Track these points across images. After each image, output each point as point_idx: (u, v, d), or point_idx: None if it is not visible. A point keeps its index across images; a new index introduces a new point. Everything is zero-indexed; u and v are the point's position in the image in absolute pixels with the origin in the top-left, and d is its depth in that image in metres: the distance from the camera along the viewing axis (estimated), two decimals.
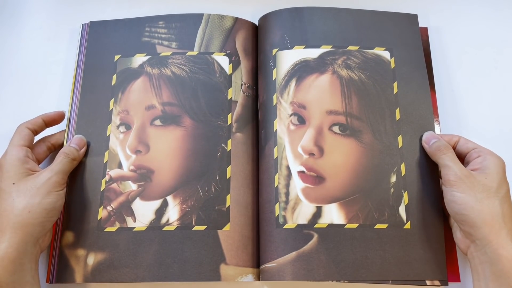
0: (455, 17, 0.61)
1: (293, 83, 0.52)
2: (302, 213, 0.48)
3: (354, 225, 0.47)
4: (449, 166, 0.46)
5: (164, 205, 0.48)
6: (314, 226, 0.47)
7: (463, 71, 0.58)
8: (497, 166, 0.45)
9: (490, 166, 0.45)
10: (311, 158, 0.49)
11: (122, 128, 0.51)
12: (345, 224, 0.47)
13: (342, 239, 0.47)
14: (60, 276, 0.47)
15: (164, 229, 0.48)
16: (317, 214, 0.48)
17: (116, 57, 0.54)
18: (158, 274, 0.46)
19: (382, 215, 0.48)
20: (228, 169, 0.49)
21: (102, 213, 0.49)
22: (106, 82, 0.53)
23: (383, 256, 0.47)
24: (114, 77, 0.53)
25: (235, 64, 0.53)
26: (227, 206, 0.48)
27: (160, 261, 0.46)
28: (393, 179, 0.49)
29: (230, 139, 0.50)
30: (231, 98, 0.52)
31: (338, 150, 0.50)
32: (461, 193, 0.44)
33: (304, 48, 0.54)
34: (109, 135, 0.51)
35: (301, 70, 0.53)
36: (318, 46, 0.54)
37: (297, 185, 0.49)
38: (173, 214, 0.48)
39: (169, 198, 0.49)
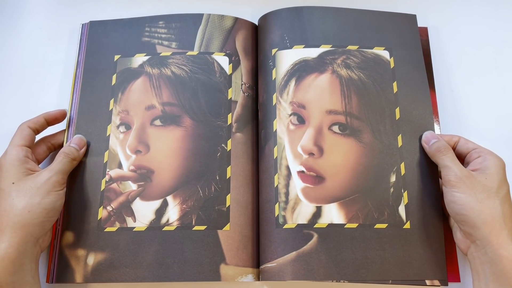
0: (455, 17, 0.61)
1: (292, 83, 0.52)
2: (302, 213, 0.48)
3: (354, 225, 0.47)
4: (449, 167, 0.46)
5: (164, 205, 0.48)
6: (314, 226, 0.47)
7: (463, 71, 0.58)
8: (497, 167, 0.45)
9: (490, 167, 0.45)
10: (310, 158, 0.49)
11: (122, 128, 0.51)
12: (345, 224, 0.47)
13: (342, 239, 0.47)
14: (60, 276, 0.47)
15: (164, 229, 0.47)
16: (317, 214, 0.48)
17: (116, 57, 0.54)
18: (158, 274, 0.46)
19: (382, 215, 0.48)
20: (228, 169, 0.49)
21: (102, 213, 0.48)
22: (106, 82, 0.53)
23: (383, 256, 0.47)
24: (114, 77, 0.53)
25: (235, 64, 0.53)
26: (227, 206, 0.48)
27: (160, 261, 0.46)
28: (393, 178, 0.49)
29: (230, 139, 0.50)
30: (231, 98, 0.52)
31: (338, 150, 0.50)
32: (462, 193, 0.44)
33: (304, 47, 0.54)
34: (109, 135, 0.51)
35: (301, 70, 0.53)
36: (318, 46, 0.54)
37: (297, 185, 0.49)
38: (173, 214, 0.48)
39: (169, 198, 0.49)
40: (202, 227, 0.47)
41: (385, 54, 0.54)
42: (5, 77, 0.59)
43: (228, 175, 0.49)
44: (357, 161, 0.49)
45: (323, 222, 0.47)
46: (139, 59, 0.54)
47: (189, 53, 0.54)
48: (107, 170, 0.50)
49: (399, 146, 0.50)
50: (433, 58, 0.57)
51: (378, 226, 0.48)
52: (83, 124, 0.52)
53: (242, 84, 0.53)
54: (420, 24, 0.57)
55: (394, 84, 0.53)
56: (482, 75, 0.58)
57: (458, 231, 0.46)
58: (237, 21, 0.55)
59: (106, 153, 0.50)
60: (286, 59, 0.53)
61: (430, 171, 0.50)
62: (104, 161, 0.50)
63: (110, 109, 0.52)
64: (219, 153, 0.50)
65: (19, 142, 0.47)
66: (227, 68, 0.53)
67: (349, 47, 0.54)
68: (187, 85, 0.52)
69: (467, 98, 0.57)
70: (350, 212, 0.48)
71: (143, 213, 0.48)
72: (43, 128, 0.50)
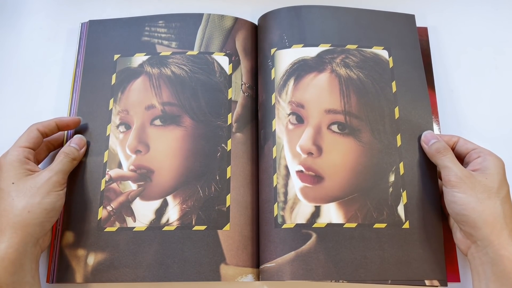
0: (455, 17, 0.61)
1: (291, 82, 0.52)
2: (301, 213, 0.48)
3: (353, 225, 0.47)
4: (449, 167, 0.45)
5: (164, 205, 0.48)
6: (313, 226, 0.47)
7: (463, 71, 0.58)
8: (497, 167, 0.45)
9: (490, 167, 0.45)
10: (309, 158, 0.49)
11: (122, 128, 0.51)
12: (343, 224, 0.47)
13: (341, 239, 0.47)
14: (61, 276, 0.47)
15: (164, 229, 0.48)
16: (316, 213, 0.48)
17: (116, 56, 0.54)
18: (158, 274, 0.46)
19: (381, 215, 0.48)
20: (228, 169, 0.49)
21: (102, 213, 0.48)
22: (106, 82, 0.53)
23: (382, 256, 0.47)
24: (114, 76, 0.53)
25: (235, 64, 0.53)
26: (227, 206, 0.48)
27: (160, 261, 0.46)
28: (392, 178, 0.49)
29: (230, 139, 0.50)
30: (231, 98, 0.52)
31: (337, 149, 0.50)
32: (462, 193, 0.43)
33: (303, 47, 0.54)
34: (109, 134, 0.51)
35: (300, 69, 0.52)
36: (317, 45, 0.54)
37: (296, 184, 0.49)
38: (173, 214, 0.48)
39: (169, 198, 0.49)
40: (202, 227, 0.47)
41: (384, 53, 0.54)
42: (5, 77, 0.58)
43: (228, 175, 0.49)
44: (356, 160, 0.49)
45: (322, 221, 0.47)
46: (139, 58, 0.54)
47: (189, 53, 0.53)
48: (107, 170, 0.50)
49: (398, 145, 0.50)
50: (433, 58, 0.57)
51: (377, 225, 0.47)
52: (82, 124, 0.52)
53: (242, 84, 0.53)
54: (420, 24, 0.57)
55: (393, 83, 0.53)
56: (482, 75, 0.58)
57: (458, 231, 0.46)
58: (237, 21, 0.55)
59: (106, 153, 0.50)
60: (285, 58, 0.53)
61: (429, 171, 0.50)
62: (104, 161, 0.50)
63: (109, 108, 0.52)
64: (219, 153, 0.50)
65: (23, 143, 0.47)
66: (227, 68, 0.53)
67: (348, 46, 0.54)
68: (187, 85, 0.52)
69: (467, 98, 0.57)
70: (349, 212, 0.48)
71: (143, 213, 0.48)
72: (52, 132, 0.50)
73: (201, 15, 0.55)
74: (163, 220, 0.48)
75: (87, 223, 0.48)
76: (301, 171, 0.49)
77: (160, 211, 0.48)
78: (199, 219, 0.48)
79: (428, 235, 0.48)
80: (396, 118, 0.51)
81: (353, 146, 0.50)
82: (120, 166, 0.50)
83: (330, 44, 0.54)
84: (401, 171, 0.49)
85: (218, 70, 0.52)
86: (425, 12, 0.60)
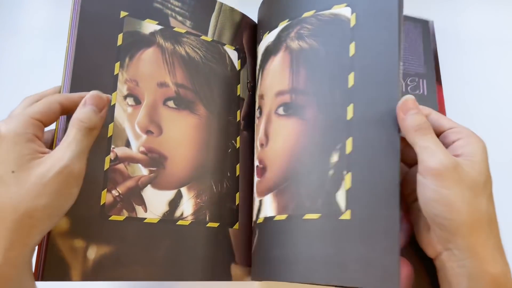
0: (458, 12, 0.63)
1: (260, 78, 0.48)
2: (255, 209, 0.45)
3: (283, 217, 0.41)
4: (432, 150, 0.34)
5: (179, 196, 0.44)
6: (257, 222, 0.44)
7: (470, 65, 0.59)
8: (483, 153, 0.35)
9: (475, 153, 0.35)
10: (261, 149, 0.45)
11: (130, 101, 0.43)
12: (274, 216, 0.42)
13: (271, 234, 0.41)
14: (50, 273, 0.37)
15: (178, 223, 0.43)
16: (259, 208, 0.44)
17: (123, 13, 0.45)
18: (172, 272, 0.41)
19: (314, 203, 0.39)
20: (237, 166, 0.48)
21: (106, 197, 0.40)
22: (110, 40, 0.43)
23: (309, 251, 0.38)
24: (120, 36, 0.44)
25: (243, 60, 0.52)
26: (236, 204, 0.47)
27: (174, 258, 0.42)
28: (335, 158, 0.39)
29: (239, 136, 0.49)
30: (239, 94, 0.50)
31: (281, 135, 0.43)
32: (447, 189, 0.33)
33: (268, 34, 0.48)
34: (115, 104, 0.42)
35: (263, 60, 0.47)
36: (276, 26, 0.47)
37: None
38: (187, 207, 0.44)
39: (183, 190, 0.44)
40: (215, 224, 0.45)
41: (346, 11, 0.43)
42: (5, 77, 0.56)
43: (237, 172, 0.48)
44: (297, 144, 0.42)
45: (261, 216, 0.44)
46: (151, 26, 0.46)
47: (203, 37, 0.49)
48: (112, 146, 0.42)
49: (348, 118, 0.40)
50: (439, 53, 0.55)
51: (307, 216, 0.39)
52: (79, 85, 0.41)
53: (247, 82, 0.52)
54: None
55: (352, 45, 0.41)
56: (487, 69, 0.59)
57: (427, 231, 0.37)
58: (243, 18, 0.53)
59: (111, 126, 0.42)
60: (259, 54, 0.49)
61: (387, 147, 0.38)
62: (108, 135, 0.41)
63: (115, 73, 0.43)
64: (230, 149, 0.48)
65: (36, 114, 0.35)
66: (237, 63, 0.51)
67: (305, 14, 0.45)
68: (201, 71, 0.48)
69: (473, 92, 0.57)
70: (281, 203, 0.41)
71: (156, 203, 0.42)
72: (73, 110, 0.37)
73: (214, 2, 0.51)
74: (177, 213, 0.43)
75: (87, 208, 0.39)
76: (257, 166, 0.45)
77: (175, 203, 0.43)
78: (212, 215, 0.45)
79: (377, 230, 0.36)
80: (349, 86, 0.41)
81: (296, 127, 0.42)
82: (128, 145, 0.42)
83: (287, 19, 0.46)
84: (348, 149, 0.39)
85: (229, 64, 0.50)
86: (429, 7, 0.59)
